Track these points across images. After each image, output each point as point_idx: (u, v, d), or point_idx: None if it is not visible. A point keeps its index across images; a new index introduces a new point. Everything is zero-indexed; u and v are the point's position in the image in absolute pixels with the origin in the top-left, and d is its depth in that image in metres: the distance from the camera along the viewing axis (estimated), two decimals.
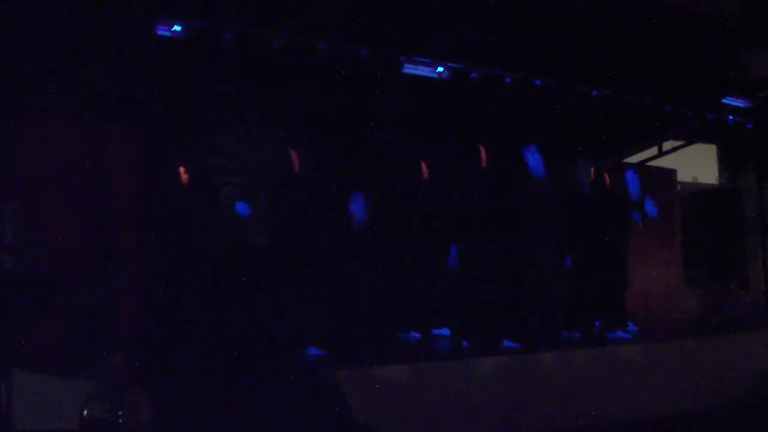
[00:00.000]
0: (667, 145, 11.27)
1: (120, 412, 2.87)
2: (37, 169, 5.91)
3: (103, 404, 2.92)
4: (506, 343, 6.28)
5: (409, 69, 7.66)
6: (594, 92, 8.61)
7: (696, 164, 12.12)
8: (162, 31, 6.54)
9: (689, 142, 11.42)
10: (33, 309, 5.61)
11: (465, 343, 6.42)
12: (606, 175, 7.54)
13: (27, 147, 5.92)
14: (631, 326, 7.50)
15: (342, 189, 6.80)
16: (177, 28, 6.51)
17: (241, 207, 6.11)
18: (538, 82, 8.21)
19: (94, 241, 6.11)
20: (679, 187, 11.17)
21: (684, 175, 11.45)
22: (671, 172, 10.85)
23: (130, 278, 5.93)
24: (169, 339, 5.44)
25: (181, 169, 6.71)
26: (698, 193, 12.36)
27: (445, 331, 6.85)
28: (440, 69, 7.75)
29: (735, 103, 9.75)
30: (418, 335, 7.06)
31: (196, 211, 6.37)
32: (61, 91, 5.91)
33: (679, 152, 11.33)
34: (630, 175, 7.49)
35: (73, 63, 5.93)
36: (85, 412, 2.92)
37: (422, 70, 7.76)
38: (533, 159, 6.58)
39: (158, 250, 6.07)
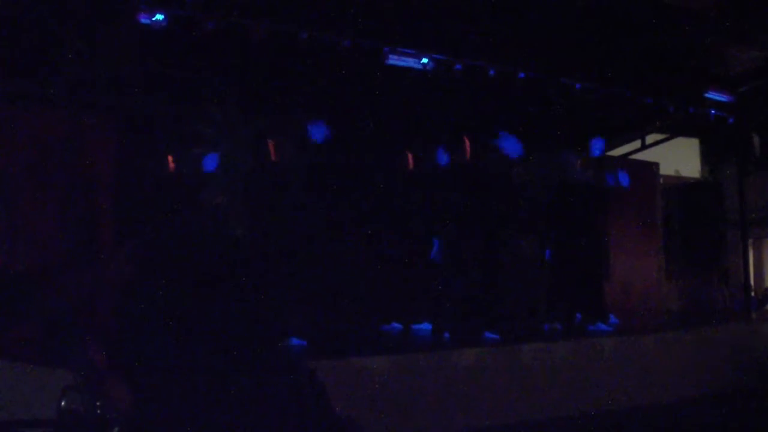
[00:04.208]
0: (650, 139, 11.35)
1: (98, 403, 2.84)
2: (10, 161, 5.81)
3: (81, 395, 2.89)
4: (487, 335, 6.30)
5: (393, 60, 7.63)
6: (577, 85, 8.63)
7: (678, 158, 12.21)
8: (143, 20, 6.47)
9: (672, 136, 11.50)
10: (11, 301, 5.55)
11: (446, 335, 6.44)
12: (588, 168, 7.56)
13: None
14: (613, 318, 7.54)
15: (324, 181, 6.78)
16: (159, 17, 6.45)
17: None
18: (521, 74, 8.21)
19: (71, 234, 6.05)
20: (661, 180, 11.24)
21: (666, 169, 11.52)
22: (654, 165, 10.91)
23: (109, 270, 5.88)
24: (148, 330, 5.41)
25: (161, 161, 6.65)
26: (680, 186, 12.44)
27: (426, 325, 6.85)
28: (424, 60, 7.73)
29: (717, 98, 9.81)
30: (400, 326, 7.08)
31: (175, 203, 6.32)
32: (37, 79, 5.82)
33: (661, 146, 11.41)
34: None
35: (51, 49, 5.84)
36: (62, 403, 2.90)
37: (406, 62, 7.73)
38: (514, 152, 6.60)
39: (138, 243, 6.02)
